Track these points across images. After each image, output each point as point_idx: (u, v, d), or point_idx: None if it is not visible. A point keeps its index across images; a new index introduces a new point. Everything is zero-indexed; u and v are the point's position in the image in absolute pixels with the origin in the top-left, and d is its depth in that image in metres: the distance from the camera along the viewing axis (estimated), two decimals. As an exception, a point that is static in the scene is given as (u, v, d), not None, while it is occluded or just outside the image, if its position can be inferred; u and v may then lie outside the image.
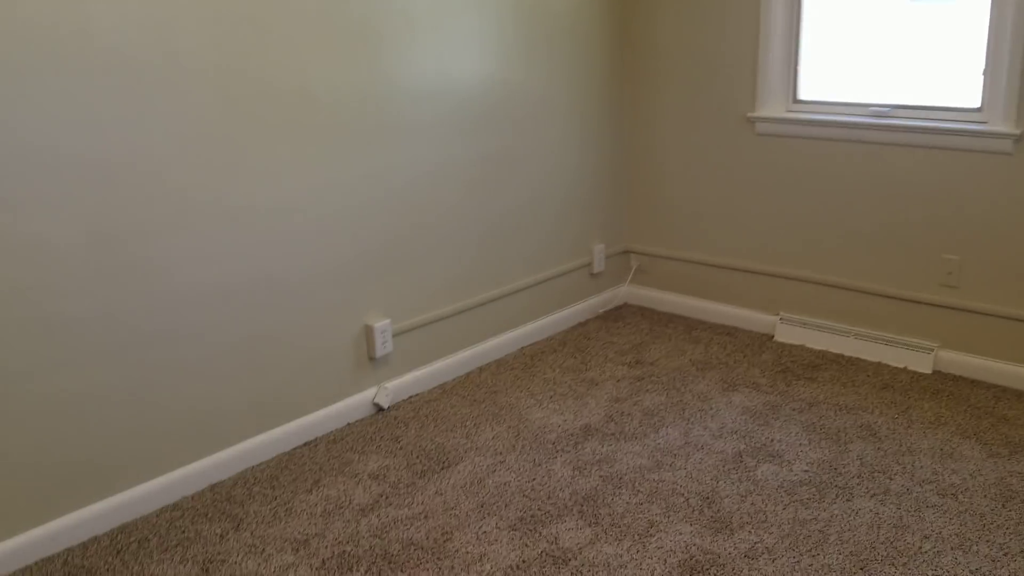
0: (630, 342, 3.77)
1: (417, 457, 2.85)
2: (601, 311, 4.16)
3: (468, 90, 3.29)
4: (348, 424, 3.09)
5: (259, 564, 2.31)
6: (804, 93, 3.62)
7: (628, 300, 4.28)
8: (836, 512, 2.49)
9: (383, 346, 3.17)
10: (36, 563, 2.33)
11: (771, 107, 3.64)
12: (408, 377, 3.30)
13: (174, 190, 2.49)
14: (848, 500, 2.54)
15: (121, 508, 2.51)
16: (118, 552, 2.37)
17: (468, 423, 3.07)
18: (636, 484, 2.65)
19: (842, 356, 3.56)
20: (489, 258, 3.53)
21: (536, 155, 3.64)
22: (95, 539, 2.44)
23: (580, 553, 2.33)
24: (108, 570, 2.30)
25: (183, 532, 2.46)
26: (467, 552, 2.34)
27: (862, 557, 2.29)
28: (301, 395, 2.95)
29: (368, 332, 3.13)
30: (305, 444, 2.96)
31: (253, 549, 2.37)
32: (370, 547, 2.37)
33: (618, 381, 3.38)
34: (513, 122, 3.50)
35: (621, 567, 2.27)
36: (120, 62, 2.32)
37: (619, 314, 4.13)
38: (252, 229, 2.70)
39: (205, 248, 2.59)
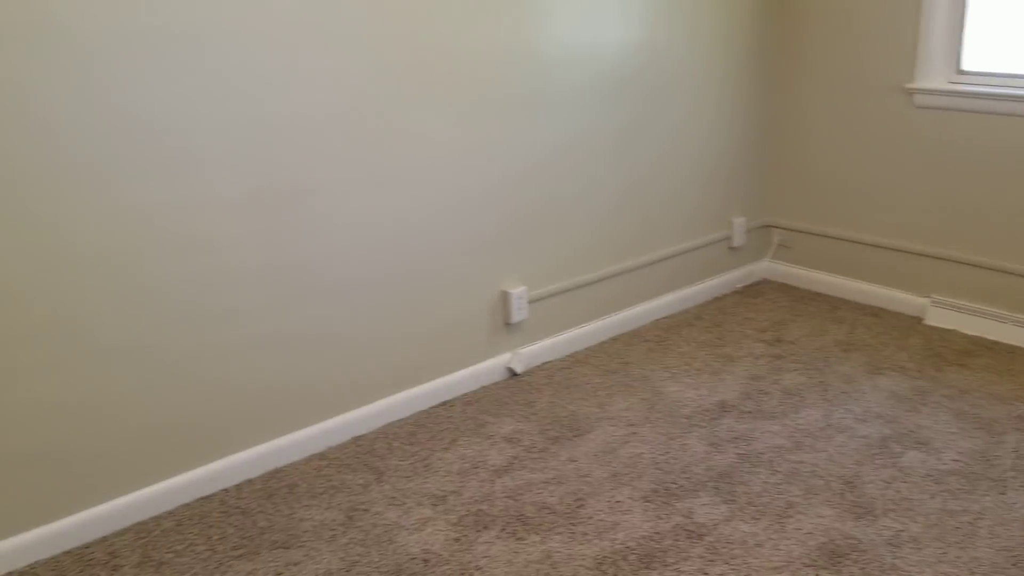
0: (769, 319, 3.68)
1: (550, 423, 2.88)
2: (739, 286, 4.07)
3: (610, 56, 3.26)
4: (482, 387, 3.15)
5: (399, 516, 2.40)
6: (968, 63, 3.40)
7: (767, 276, 4.17)
8: (988, 505, 2.37)
9: (519, 312, 3.20)
10: (195, 501, 2.50)
11: (932, 78, 3.44)
12: (542, 344, 3.33)
13: (328, 152, 2.58)
14: (1001, 493, 2.42)
15: (272, 454, 2.65)
16: (269, 496, 2.51)
17: (601, 392, 3.08)
18: (774, 464, 2.60)
19: (999, 343, 3.36)
20: (626, 228, 3.51)
21: (677, 123, 3.58)
22: (248, 482, 2.59)
23: (715, 529, 2.31)
24: (261, 511, 2.44)
25: (329, 480, 2.58)
26: (600, 519, 2.36)
27: (1015, 553, 2.17)
28: (438, 357, 3.03)
29: (505, 298, 3.17)
30: (441, 404, 3.04)
31: (394, 501, 2.47)
32: (505, 508, 2.42)
33: (756, 359, 3.31)
34: (654, 89, 3.45)
35: (758, 546, 2.24)
36: (284, 29, 2.41)
37: (758, 290, 4.03)
38: (397, 193, 2.78)
39: (354, 210, 2.68)
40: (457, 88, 2.84)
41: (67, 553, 2.27)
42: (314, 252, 2.62)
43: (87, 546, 2.30)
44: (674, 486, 2.50)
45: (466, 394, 3.10)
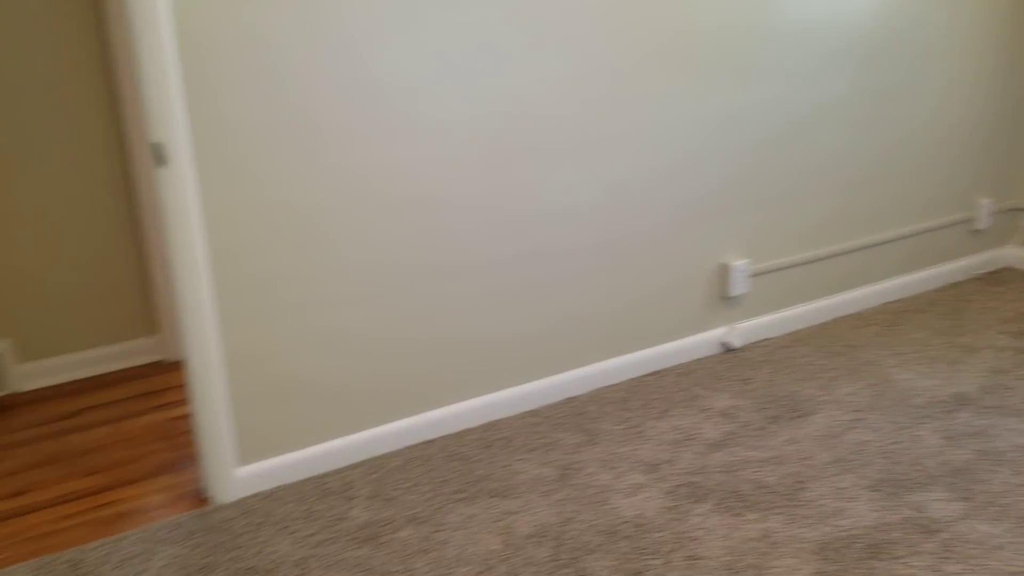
0: (1014, 310, 3.37)
1: (768, 402, 2.80)
2: (980, 273, 3.76)
3: (857, 23, 3.07)
4: (696, 360, 3.11)
5: (612, 479, 2.42)
6: None
7: (1012, 263, 3.82)
8: None
9: (739, 285, 3.12)
10: (419, 444, 2.63)
11: None
12: (761, 320, 3.23)
13: (558, 115, 2.61)
14: None
15: (489, 407, 2.74)
16: (487, 446, 2.61)
17: (823, 375, 2.95)
18: (1018, 463, 2.40)
19: None
20: (859, 204, 3.32)
21: (922, 95, 3.33)
22: (467, 431, 2.69)
23: (950, 527, 2.16)
24: (478, 460, 2.53)
25: (542, 437, 2.64)
26: (822, 504, 2.27)
27: None
28: (652, 326, 3.01)
29: (724, 270, 3.10)
30: (654, 373, 3.02)
31: (606, 464, 2.49)
32: (720, 482, 2.38)
33: (999, 351, 3.05)
34: (901, 58, 3.22)
35: (997, 548, 2.08)
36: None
37: (1000, 278, 3.71)
38: (622, 157, 2.76)
39: (578, 173, 2.70)
40: (692, 55, 2.78)
41: (307, 480, 2.46)
42: (535, 213, 2.67)
43: (325, 475, 2.48)
44: (904, 478, 2.36)
45: (679, 365, 3.07)
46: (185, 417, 2.84)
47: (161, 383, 3.08)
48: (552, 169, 2.64)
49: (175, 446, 2.67)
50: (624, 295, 2.91)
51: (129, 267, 3.12)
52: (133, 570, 2.10)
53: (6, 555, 2.18)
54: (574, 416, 2.76)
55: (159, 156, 2.08)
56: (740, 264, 3.09)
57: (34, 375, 3.05)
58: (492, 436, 2.66)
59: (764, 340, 3.23)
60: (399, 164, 2.40)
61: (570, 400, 2.86)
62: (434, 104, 2.40)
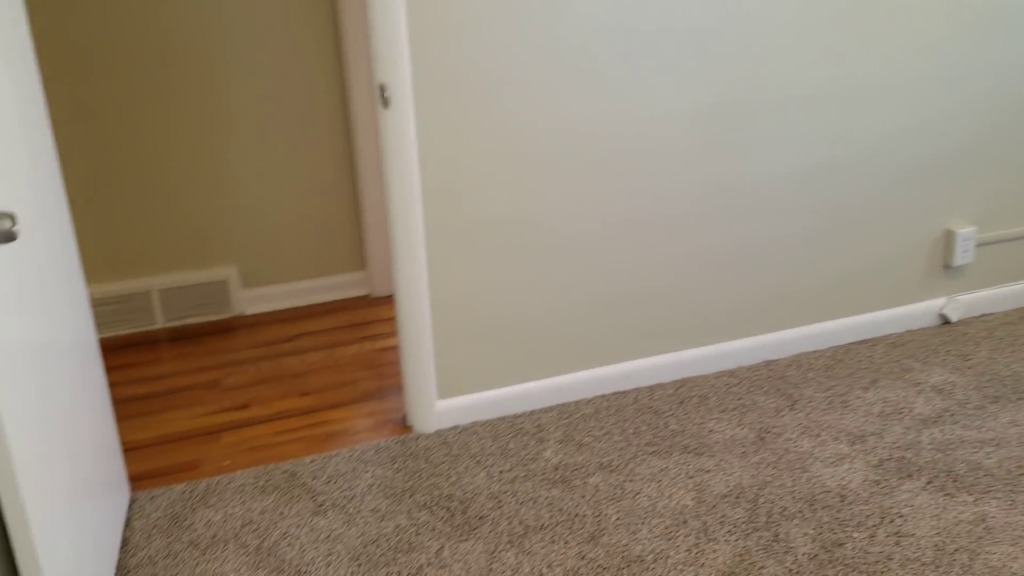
0: None
1: (988, 380, 2.59)
2: None
3: None
4: (909, 331, 2.92)
5: (813, 446, 2.33)
6: None
7: None
8: None
9: (963, 255, 2.89)
10: (612, 394, 2.64)
11: None
12: (985, 293, 2.98)
13: (778, 70, 2.49)
14: None
15: (684, 364, 2.70)
16: (680, 402, 2.57)
17: (1056, 356, 2.70)
18: None
19: None
20: (1113, 173, 2.98)
21: None
22: (660, 386, 2.67)
23: None
24: (672, 415, 2.51)
25: (739, 399, 2.58)
26: (1050, 494, 2.09)
27: None
28: (864, 292, 2.84)
29: (948, 237, 2.87)
30: (862, 342, 2.87)
31: (807, 431, 2.40)
32: (932, 460, 2.24)
33: None
34: None
35: None
36: (754, -68, 2.34)
37: None
38: (844, 115, 2.60)
39: (800, 129, 2.57)
40: (933, 6, 2.57)
41: (502, 418, 2.53)
42: (749, 171, 2.57)
43: (517, 416, 2.54)
44: None
45: (891, 335, 2.90)
46: (390, 349, 2.98)
47: (368, 316, 3.25)
48: (771, 125, 2.53)
49: (380, 375, 2.81)
50: (838, 260, 2.77)
51: (345, 205, 3.29)
52: (343, 485, 2.24)
53: (231, 462, 2.38)
54: (774, 380, 2.67)
55: (384, 97, 2.16)
56: (966, 232, 2.86)
57: (256, 300, 3.29)
58: (686, 393, 2.63)
59: (986, 315, 2.99)
60: (608, 117, 2.37)
61: (769, 363, 2.77)
62: (645, 51, 2.35)
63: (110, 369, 2.92)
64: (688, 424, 2.46)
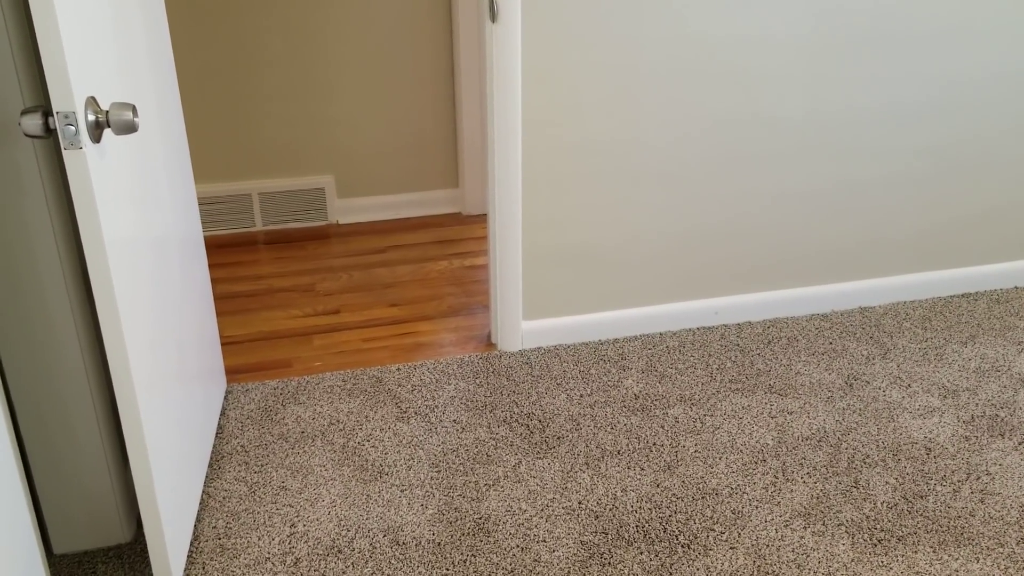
0: None
1: (1098, 346, 2.48)
2: None
3: None
4: (1016, 287, 2.80)
5: (902, 397, 2.28)
6: None
7: None
8: None
9: (1084, 213, 2.74)
10: (698, 328, 2.62)
11: None
12: (1103, 255, 2.83)
13: (897, 2, 2.36)
14: None
15: (775, 304, 2.65)
16: (768, 342, 2.54)
17: None
18: None
19: None
20: None
21: None
22: (749, 324, 2.64)
23: None
24: (759, 354, 2.48)
25: (830, 343, 2.53)
26: None
27: None
28: (970, 243, 2.73)
29: (1070, 193, 2.72)
30: (964, 295, 2.77)
31: (898, 381, 2.34)
32: (1027, 421, 2.17)
33: None
34: None
35: None
36: None
37: None
38: (963, 51, 2.46)
39: (916, 67, 2.45)
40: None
41: (584, 344, 2.55)
42: (858, 107, 2.46)
43: (601, 343, 2.55)
44: None
45: (995, 291, 2.79)
46: (478, 268, 3.01)
47: (458, 233, 3.28)
48: (885, 60, 2.42)
49: (467, 292, 2.85)
50: (945, 207, 2.65)
51: (442, 121, 3.30)
52: (426, 394, 2.30)
53: (321, 363, 2.47)
54: (867, 327, 2.61)
55: (492, 11, 2.14)
56: (1092, 188, 2.70)
57: (350, 211, 3.35)
58: (775, 333, 2.59)
59: (1103, 278, 2.84)
60: (716, 37, 2.30)
61: (864, 310, 2.70)
62: (770, -24, 2.26)
63: (212, 266, 3.03)
64: (775, 364, 2.43)
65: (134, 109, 1.31)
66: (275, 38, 3.06)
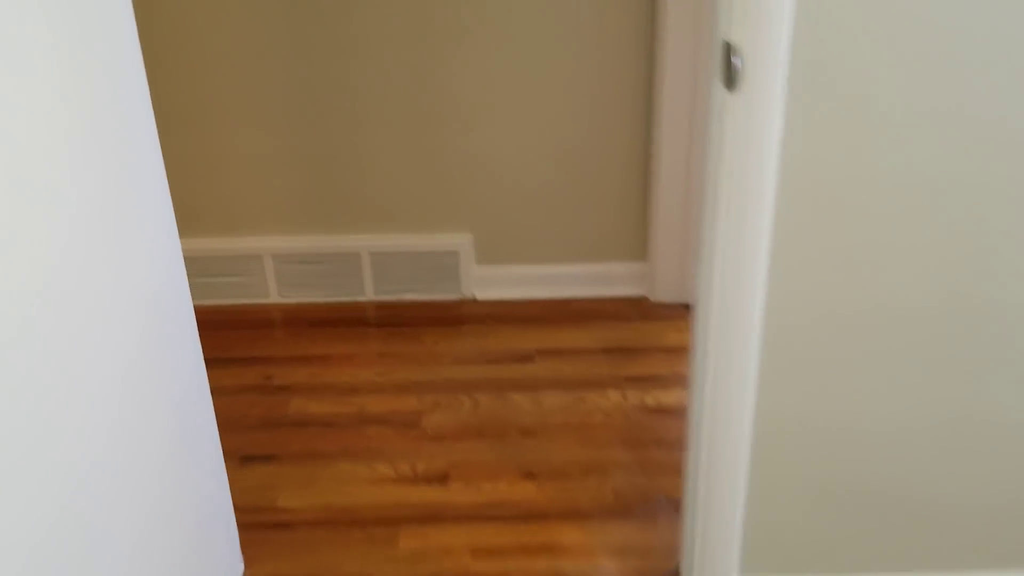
0: None
1: None
2: None
3: None
4: None
5: None
6: None
7: None
8: None
9: None
10: None
11: None
12: None
13: None
14: None
15: None
16: None
17: None
18: None
19: None
20: None
21: None
22: None
23: None
24: None
25: None
26: None
27: None
28: None
29: None
30: None
31: None
32: None
33: None
34: None
35: None
36: None
37: None
38: None
39: None
40: None
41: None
42: None
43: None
44: None
45: None
46: (668, 413, 1.97)
47: (640, 336, 2.24)
48: None
49: (646, 464, 1.83)
50: None
51: (628, 167, 2.25)
52: None
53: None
54: None
55: (730, 70, 1.06)
56: None
57: (492, 283, 2.40)
58: None
59: None
60: None
61: None
62: None
63: (293, 360, 2.16)
64: None
65: None
66: (394, 47, 2.12)
